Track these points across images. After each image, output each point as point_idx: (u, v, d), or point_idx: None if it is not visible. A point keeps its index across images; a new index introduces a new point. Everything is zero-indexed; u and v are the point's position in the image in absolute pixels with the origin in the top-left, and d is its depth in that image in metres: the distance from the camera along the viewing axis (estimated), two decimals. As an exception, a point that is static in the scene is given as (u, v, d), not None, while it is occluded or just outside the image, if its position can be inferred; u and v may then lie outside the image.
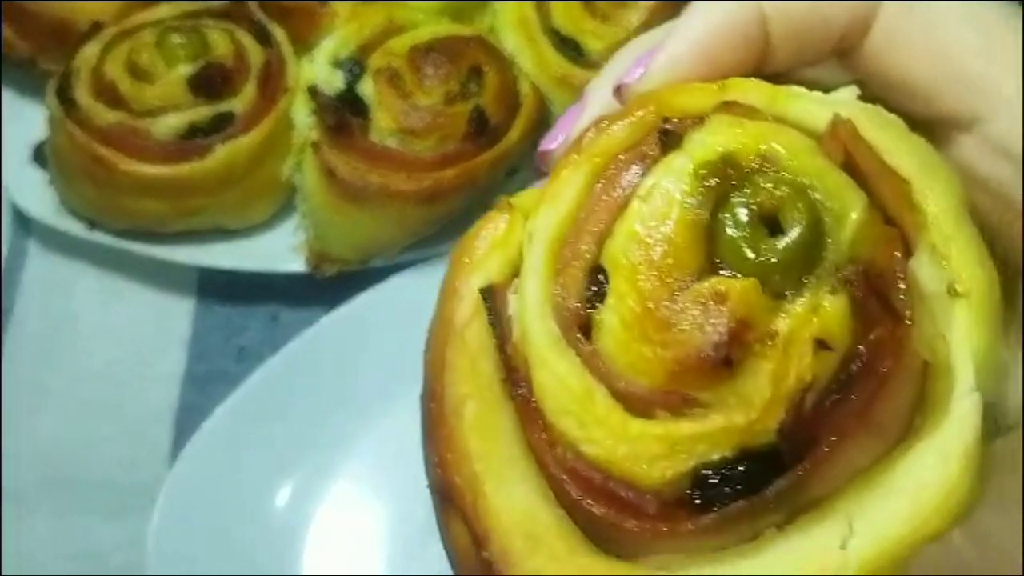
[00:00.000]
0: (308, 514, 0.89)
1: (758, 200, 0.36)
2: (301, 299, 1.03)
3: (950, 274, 0.36)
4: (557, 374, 0.36)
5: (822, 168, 0.37)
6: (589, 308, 0.37)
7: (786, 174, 0.37)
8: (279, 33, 1.05)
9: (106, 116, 0.99)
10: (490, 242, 0.41)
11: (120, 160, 0.99)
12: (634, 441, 0.35)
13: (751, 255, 0.36)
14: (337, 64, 1.03)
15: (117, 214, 1.03)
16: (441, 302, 0.41)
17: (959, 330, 0.36)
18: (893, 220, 0.37)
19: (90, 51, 1.02)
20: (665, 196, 0.37)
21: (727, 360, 0.34)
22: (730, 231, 0.36)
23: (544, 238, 0.39)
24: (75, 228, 1.04)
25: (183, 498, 0.89)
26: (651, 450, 0.35)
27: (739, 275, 0.35)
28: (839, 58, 0.43)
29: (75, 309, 1.05)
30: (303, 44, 1.05)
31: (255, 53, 1.03)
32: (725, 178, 0.37)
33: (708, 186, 0.37)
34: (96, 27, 1.03)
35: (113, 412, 0.99)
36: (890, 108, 0.41)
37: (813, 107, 0.40)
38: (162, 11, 1.05)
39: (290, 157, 1.03)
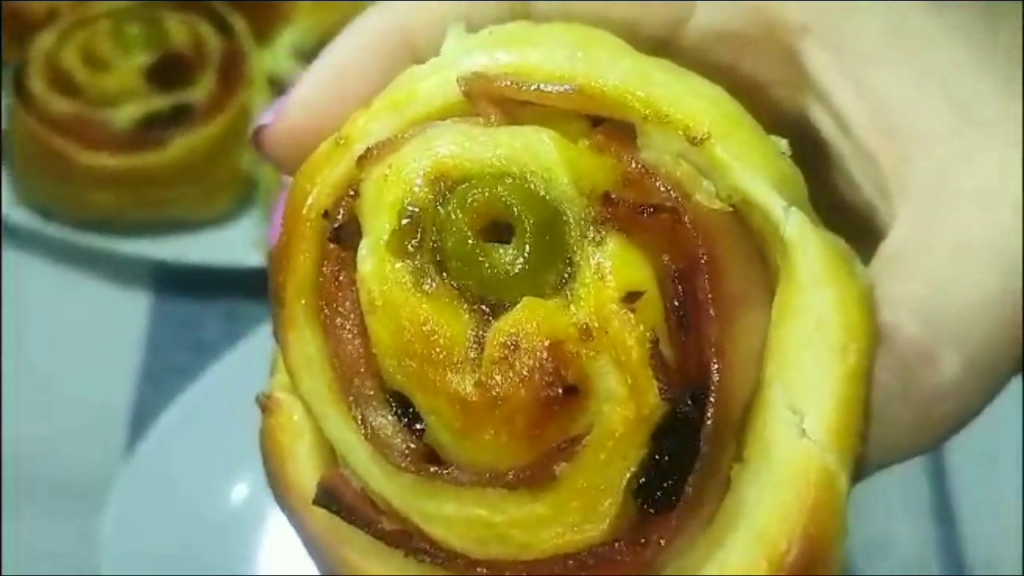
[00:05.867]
0: (264, 510, 0.87)
1: (464, 224, 0.32)
2: (259, 294, 1.00)
3: (680, 128, 0.32)
4: (450, 518, 0.32)
5: (488, 142, 0.33)
6: (420, 435, 0.32)
7: (467, 178, 0.33)
8: (240, 24, 1.04)
9: (60, 105, 0.98)
10: (285, 449, 0.36)
11: (76, 151, 0.98)
12: (558, 518, 0.31)
13: (503, 277, 0.31)
14: (299, 55, 1.02)
15: (74, 205, 1.01)
16: (293, 524, 0.36)
17: (734, 164, 0.32)
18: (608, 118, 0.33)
19: (45, 40, 1.01)
20: (384, 293, 0.32)
21: (570, 388, 0.30)
22: (468, 272, 0.32)
23: (324, 407, 0.34)
24: (31, 221, 1.02)
25: (137, 495, 0.87)
26: (579, 511, 0.31)
27: (510, 303, 0.31)
28: None
29: (28, 303, 1.03)
30: (265, 35, 1.04)
31: (214, 43, 1.02)
32: (422, 229, 0.32)
33: (412, 250, 0.32)
34: (51, 16, 1.02)
35: (68, 408, 0.97)
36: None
37: (439, 78, 0.35)
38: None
39: (250, 149, 1.01)
